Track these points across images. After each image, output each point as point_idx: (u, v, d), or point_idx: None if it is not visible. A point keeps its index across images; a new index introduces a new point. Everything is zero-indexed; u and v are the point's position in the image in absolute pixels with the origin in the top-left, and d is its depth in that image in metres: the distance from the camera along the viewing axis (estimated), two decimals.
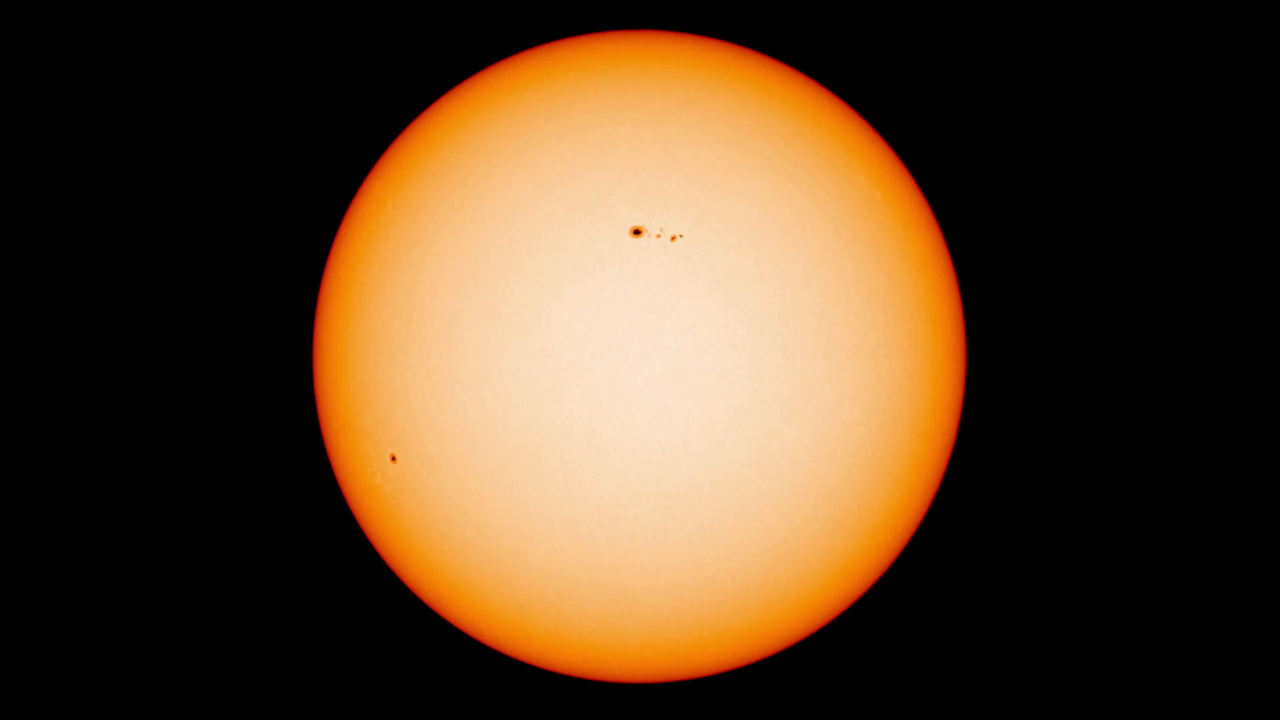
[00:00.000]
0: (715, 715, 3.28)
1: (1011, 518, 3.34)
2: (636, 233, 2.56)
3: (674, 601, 2.68)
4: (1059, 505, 3.33)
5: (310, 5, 3.28)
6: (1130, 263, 3.32)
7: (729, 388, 2.56)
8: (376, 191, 2.81)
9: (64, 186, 3.30)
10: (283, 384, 3.30)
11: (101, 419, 3.29)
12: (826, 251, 2.62)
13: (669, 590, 2.66)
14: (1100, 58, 3.30)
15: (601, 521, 2.60)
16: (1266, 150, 3.30)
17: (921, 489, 2.83)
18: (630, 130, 2.62)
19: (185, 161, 3.30)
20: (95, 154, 3.30)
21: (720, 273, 2.56)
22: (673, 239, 2.56)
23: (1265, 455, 3.30)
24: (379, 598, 3.31)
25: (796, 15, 3.29)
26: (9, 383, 3.28)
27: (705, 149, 2.61)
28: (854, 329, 2.63)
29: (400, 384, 2.65)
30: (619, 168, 2.59)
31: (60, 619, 3.31)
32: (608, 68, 2.73)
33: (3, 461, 3.28)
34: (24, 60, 3.27)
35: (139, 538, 3.31)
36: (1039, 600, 3.34)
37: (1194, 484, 3.32)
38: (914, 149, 3.28)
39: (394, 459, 2.69)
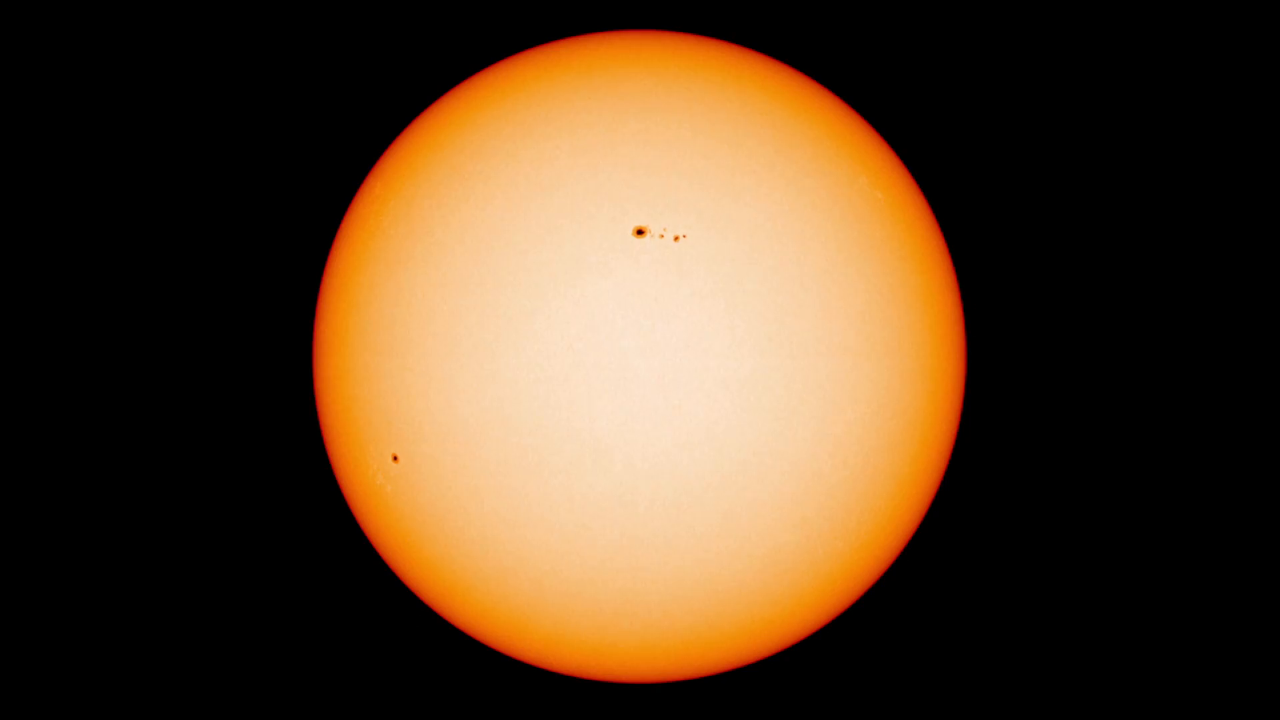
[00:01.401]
0: (715, 715, 3.28)
1: (1011, 518, 3.34)
2: (640, 233, 2.56)
3: (674, 601, 2.68)
4: (1059, 505, 3.33)
5: (310, 5, 3.28)
6: (1130, 262, 3.32)
7: (730, 387, 2.56)
8: (377, 191, 2.81)
9: (64, 187, 3.29)
10: (283, 384, 3.29)
11: (102, 419, 3.29)
12: (828, 252, 2.62)
13: (669, 590, 2.66)
14: (1100, 58, 3.30)
15: (602, 521, 2.60)
16: (1266, 150, 3.30)
17: (921, 489, 2.83)
18: (632, 130, 2.62)
19: (185, 162, 3.30)
20: (95, 155, 3.30)
21: (723, 273, 2.56)
22: (676, 239, 2.56)
23: (1265, 454, 3.31)
24: (379, 598, 3.31)
25: (796, 15, 3.30)
26: (9, 383, 3.28)
27: (708, 149, 2.61)
28: (854, 329, 2.63)
29: (401, 384, 2.65)
30: (622, 168, 2.59)
31: (60, 619, 3.31)
32: (608, 68, 2.73)
33: (3, 461, 3.28)
34: (24, 60, 3.27)
35: (139, 538, 3.31)
36: (1039, 600, 3.34)
37: (1194, 483, 3.32)
38: (914, 149, 3.29)
39: (396, 459, 2.69)
